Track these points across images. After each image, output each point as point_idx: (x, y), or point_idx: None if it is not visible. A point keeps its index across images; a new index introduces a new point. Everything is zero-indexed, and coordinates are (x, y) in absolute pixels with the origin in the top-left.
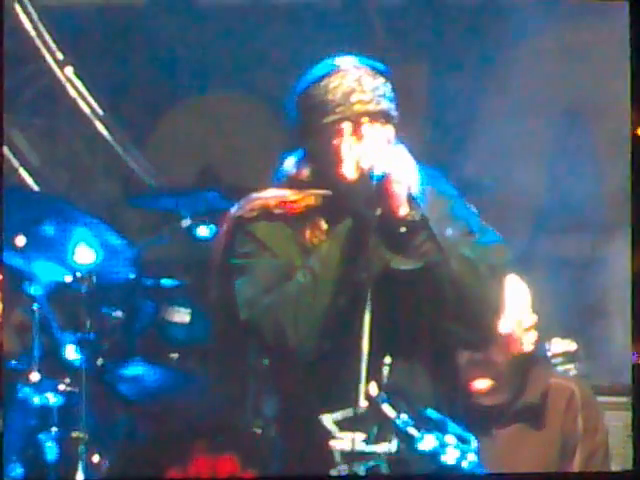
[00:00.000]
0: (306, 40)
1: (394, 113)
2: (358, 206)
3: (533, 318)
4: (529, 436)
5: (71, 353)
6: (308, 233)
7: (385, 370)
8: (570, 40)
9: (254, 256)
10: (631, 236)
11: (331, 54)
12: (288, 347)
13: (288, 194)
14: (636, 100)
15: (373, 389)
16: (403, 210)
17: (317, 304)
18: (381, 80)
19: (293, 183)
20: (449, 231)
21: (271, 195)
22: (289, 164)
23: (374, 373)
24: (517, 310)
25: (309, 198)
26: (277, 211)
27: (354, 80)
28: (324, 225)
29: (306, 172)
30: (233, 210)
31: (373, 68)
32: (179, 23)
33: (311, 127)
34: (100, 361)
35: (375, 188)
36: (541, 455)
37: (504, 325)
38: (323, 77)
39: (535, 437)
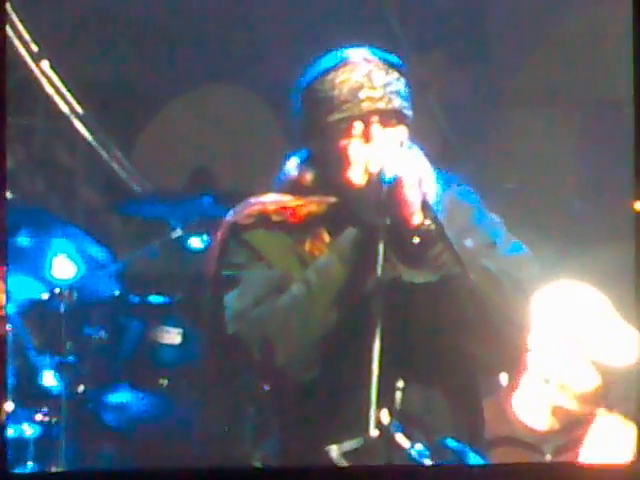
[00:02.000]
0: (313, 28)
1: (408, 112)
2: (365, 214)
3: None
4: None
5: (49, 379)
6: (309, 244)
7: (398, 395)
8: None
9: (248, 266)
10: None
11: (341, 44)
12: (276, 365)
13: (289, 200)
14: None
15: (385, 416)
16: (417, 218)
17: (312, 319)
18: (394, 75)
19: (295, 187)
20: (469, 242)
21: (270, 200)
22: (291, 166)
23: (386, 398)
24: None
25: (312, 205)
26: (276, 218)
27: (363, 74)
28: (327, 236)
29: (309, 176)
30: (228, 216)
31: (386, 61)
32: (167, 10)
33: (315, 126)
34: (81, 388)
35: (385, 194)
36: None
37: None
38: (330, 70)
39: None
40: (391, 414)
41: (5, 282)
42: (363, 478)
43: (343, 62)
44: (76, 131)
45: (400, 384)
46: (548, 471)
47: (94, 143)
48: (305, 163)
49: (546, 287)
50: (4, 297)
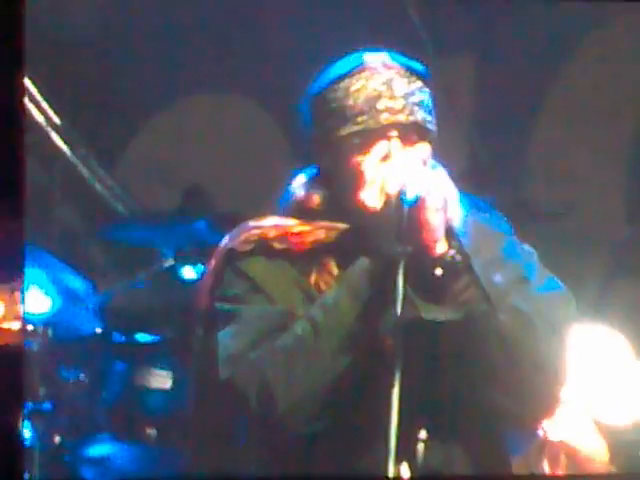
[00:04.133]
0: (325, 29)
1: (432, 127)
2: (380, 242)
3: None
4: None
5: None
6: (315, 275)
7: (420, 447)
8: None
9: (244, 300)
10: None
11: (357, 48)
12: (277, 415)
13: (293, 224)
14: None
15: (405, 471)
16: (440, 247)
17: (318, 363)
18: (417, 84)
19: (301, 210)
20: (498, 276)
21: (272, 224)
22: (297, 185)
23: (406, 451)
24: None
25: (319, 231)
26: (278, 245)
27: (382, 82)
28: (335, 267)
29: (317, 197)
30: (224, 241)
31: (408, 68)
32: (157, 12)
33: (326, 140)
34: (58, 439)
35: (406, 217)
36: None
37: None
38: (344, 76)
39: None
40: (412, 469)
41: (22, 292)
42: None
43: (359, 68)
44: (53, 145)
45: (422, 435)
46: None
47: (73, 159)
48: (313, 182)
49: (575, 333)
50: (23, 308)
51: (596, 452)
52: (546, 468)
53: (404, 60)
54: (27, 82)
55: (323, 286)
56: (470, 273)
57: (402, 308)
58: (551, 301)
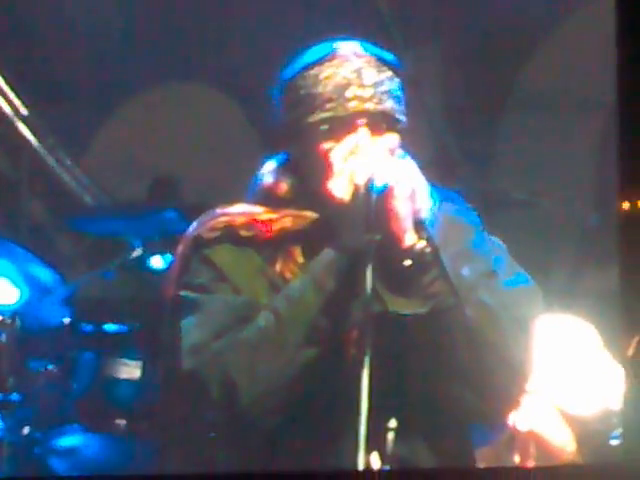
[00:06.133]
0: (295, 16)
1: (400, 117)
2: (346, 233)
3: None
4: None
5: None
6: (280, 264)
7: (390, 437)
8: None
9: (209, 289)
10: None
11: (329, 37)
12: (239, 407)
13: (261, 212)
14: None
15: (375, 462)
16: (409, 238)
17: (281, 355)
18: (387, 74)
19: (268, 198)
20: (466, 270)
21: (239, 212)
22: (266, 172)
23: (376, 442)
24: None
25: (286, 219)
26: (245, 233)
27: (352, 70)
28: (300, 256)
29: (285, 185)
30: (190, 229)
31: (379, 58)
32: None
33: (295, 126)
34: (26, 430)
35: (373, 206)
36: None
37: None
38: (314, 64)
39: None
40: (382, 459)
41: None
42: None
43: (330, 56)
44: (20, 135)
45: (392, 424)
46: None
47: (41, 149)
48: (282, 169)
49: (543, 323)
50: None
51: (565, 442)
52: (516, 459)
53: (376, 50)
54: None
55: (288, 275)
56: (438, 265)
57: (369, 299)
58: (518, 296)
